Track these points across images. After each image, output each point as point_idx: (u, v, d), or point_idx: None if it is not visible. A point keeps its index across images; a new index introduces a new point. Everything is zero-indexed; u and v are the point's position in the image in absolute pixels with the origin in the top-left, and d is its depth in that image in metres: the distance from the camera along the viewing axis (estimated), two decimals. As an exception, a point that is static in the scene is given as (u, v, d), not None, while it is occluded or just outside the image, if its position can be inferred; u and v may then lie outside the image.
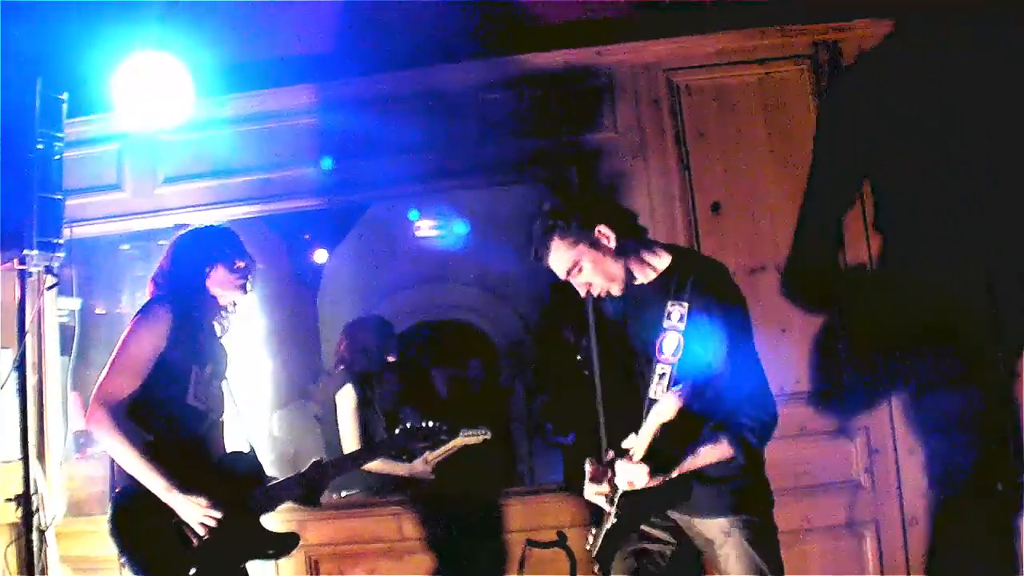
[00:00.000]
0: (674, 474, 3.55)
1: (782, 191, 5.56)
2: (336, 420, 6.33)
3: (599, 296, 3.83)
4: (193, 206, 5.99)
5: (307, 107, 5.95)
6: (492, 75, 5.81)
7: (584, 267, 3.74)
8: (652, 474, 3.51)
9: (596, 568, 3.76)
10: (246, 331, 6.98)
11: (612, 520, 3.68)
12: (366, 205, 8.96)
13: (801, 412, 5.35)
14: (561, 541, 5.11)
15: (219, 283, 4.36)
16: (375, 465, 6.16)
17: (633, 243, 3.80)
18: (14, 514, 4.80)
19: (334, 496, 6.44)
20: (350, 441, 6.21)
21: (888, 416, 5.43)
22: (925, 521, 5.38)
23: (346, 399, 6.31)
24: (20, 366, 4.92)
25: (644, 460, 3.55)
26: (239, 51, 5.88)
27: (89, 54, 5.40)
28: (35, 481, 4.83)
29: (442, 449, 6.16)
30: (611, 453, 3.71)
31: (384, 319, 6.87)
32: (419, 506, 5.79)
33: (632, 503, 3.65)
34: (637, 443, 3.56)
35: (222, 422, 4.44)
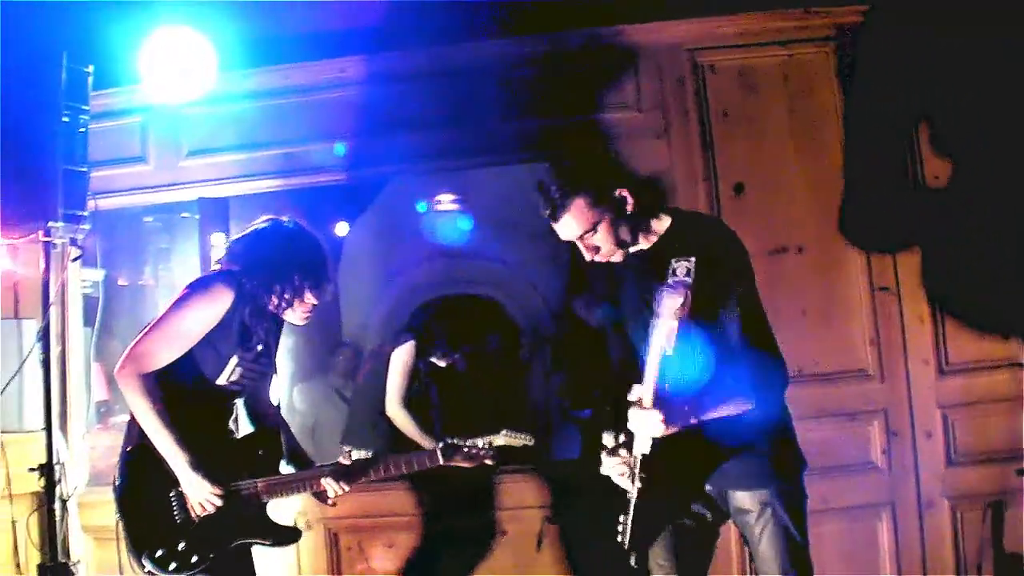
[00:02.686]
0: (692, 421, 3.46)
1: (805, 173, 5.56)
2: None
3: (601, 263, 3.74)
4: (216, 179, 6.03)
5: (330, 82, 5.96)
6: (515, 53, 5.82)
7: (599, 230, 3.64)
8: (667, 422, 3.39)
9: (632, 560, 3.59)
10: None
11: (636, 489, 3.53)
12: (387, 179, 8.96)
13: (819, 393, 5.35)
14: (578, 517, 5.14)
15: (287, 308, 4.17)
16: (410, 430, 6.23)
17: (647, 210, 3.73)
18: (37, 484, 4.83)
19: (343, 452, 6.49)
20: (393, 393, 6.27)
21: (907, 398, 5.44)
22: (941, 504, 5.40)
23: (403, 355, 6.37)
24: (44, 337, 4.95)
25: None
26: (264, 25, 5.87)
27: (114, 27, 5.42)
28: (57, 451, 4.87)
29: (477, 442, 6.16)
30: (623, 437, 3.62)
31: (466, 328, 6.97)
32: (436, 480, 5.81)
33: (657, 473, 3.52)
34: (644, 388, 3.42)
35: (259, 397, 4.40)
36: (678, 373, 3.41)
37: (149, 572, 3.96)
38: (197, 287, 4.07)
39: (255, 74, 5.96)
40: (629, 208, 3.66)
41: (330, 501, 4.24)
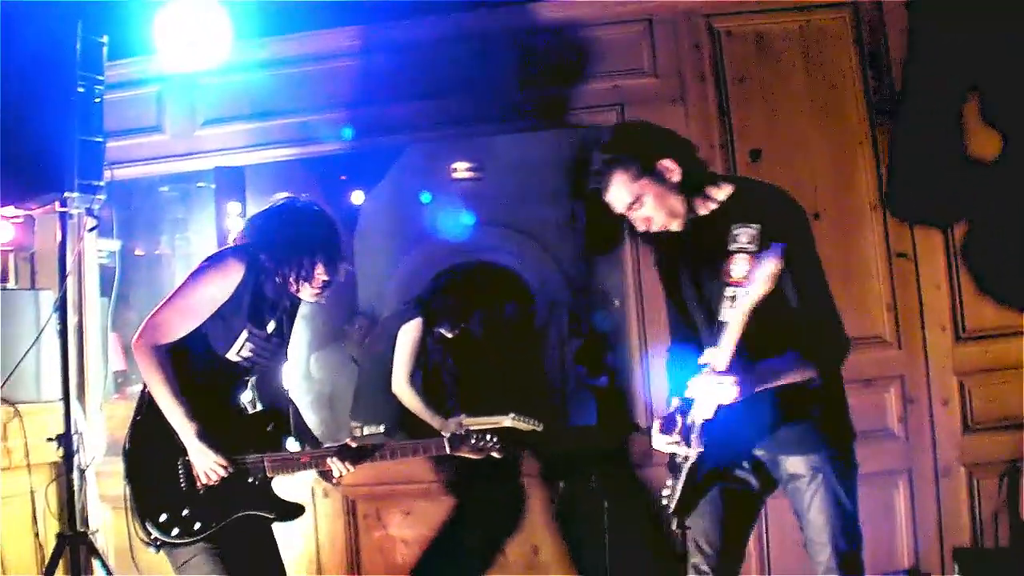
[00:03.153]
0: (757, 389, 3.45)
1: (822, 139, 5.54)
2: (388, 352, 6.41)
3: (657, 232, 3.73)
4: (232, 148, 6.04)
5: (345, 50, 5.96)
6: (531, 20, 5.79)
7: (646, 201, 3.63)
8: (741, 385, 3.38)
9: (673, 524, 3.59)
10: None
11: (694, 453, 3.54)
12: (402, 147, 8.95)
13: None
14: (594, 484, 5.15)
15: (299, 286, 4.18)
16: (416, 406, 6.25)
17: (696, 177, 3.70)
18: (55, 454, 4.85)
19: (354, 430, 6.52)
20: (400, 371, 6.28)
21: (923, 365, 5.43)
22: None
23: (410, 332, 6.38)
24: (61, 307, 4.95)
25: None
26: (278, -7, 5.87)
27: (130, -4, 5.43)
28: (75, 421, 4.88)
29: (485, 420, 6.19)
30: (676, 402, 3.67)
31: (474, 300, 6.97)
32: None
33: (711, 439, 3.53)
34: (719, 353, 3.41)
35: (270, 373, 4.40)
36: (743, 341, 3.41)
37: (154, 538, 4.01)
38: (211, 261, 4.11)
39: (270, 42, 5.96)
40: (675, 178, 3.63)
41: (334, 481, 4.29)
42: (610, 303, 8.33)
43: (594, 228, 8.63)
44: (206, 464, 3.99)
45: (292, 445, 4.28)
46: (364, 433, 6.47)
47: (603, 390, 8.71)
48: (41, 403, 5.41)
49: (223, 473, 4.01)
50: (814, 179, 5.51)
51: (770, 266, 3.25)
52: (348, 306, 8.52)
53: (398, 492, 5.84)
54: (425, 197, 9.88)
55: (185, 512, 4.02)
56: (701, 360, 3.47)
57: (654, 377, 5.56)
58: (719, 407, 3.45)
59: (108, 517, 5.85)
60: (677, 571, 3.75)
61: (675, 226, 3.69)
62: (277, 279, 4.12)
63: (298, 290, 4.18)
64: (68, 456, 4.79)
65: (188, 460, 4.02)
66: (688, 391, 3.51)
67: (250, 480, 4.11)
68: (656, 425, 3.67)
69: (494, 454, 4.38)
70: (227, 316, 4.06)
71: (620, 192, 3.65)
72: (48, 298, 5.44)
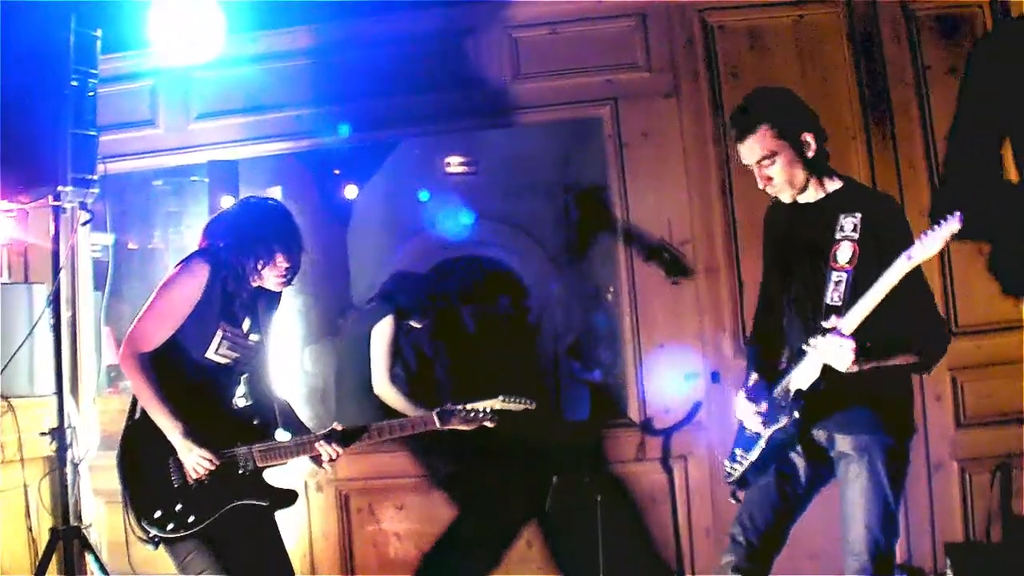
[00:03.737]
0: (867, 366, 3.58)
1: (815, 134, 5.53)
2: (362, 353, 6.37)
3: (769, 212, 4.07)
4: (226, 142, 6.04)
5: (339, 44, 5.96)
6: (524, 14, 5.80)
7: (777, 161, 3.82)
8: (859, 353, 3.53)
9: (732, 498, 3.94)
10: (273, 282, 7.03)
11: (779, 424, 3.76)
12: (396, 141, 8.95)
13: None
14: (588, 478, 5.16)
15: (262, 274, 4.26)
16: (401, 405, 6.21)
17: (822, 162, 3.89)
18: (48, 448, 4.84)
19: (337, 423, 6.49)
20: (380, 371, 6.25)
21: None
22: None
23: (383, 330, 6.35)
24: (54, 301, 4.95)
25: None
26: (271, -12, 5.87)
27: (123, -10, 5.42)
28: (69, 415, 4.87)
29: (475, 406, 6.20)
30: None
31: (435, 276, 6.90)
32: (448, 442, 5.83)
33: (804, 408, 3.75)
34: (850, 317, 3.54)
35: (254, 370, 4.43)
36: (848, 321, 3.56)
37: (152, 535, 4.08)
38: (180, 266, 4.20)
39: (263, 36, 5.96)
40: (810, 152, 3.84)
41: (324, 465, 4.36)
42: (603, 297, 8.34)
43: (587, 222, 8.65)
44: (193, 460, 4.05)
45: (282, 436, 4.33)
46: None
47: (596, 384, 8.71)
48: (34, 397, 5.40)
49: (210, 467, 4.07)
50: (807, 174, 5.51)
51: (951, 227, 3.40)
52: (341, 300, 8.52)
53: (391, 486, 5.86)
54: (423, 195, 9.89)
55: (179, 507, 4.08)
56: (826, 323, 3.61)
57: (647, 371, 5.58)
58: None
59: (102, 511, 5.84)
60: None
61: (786, 197, 3.91)
62: (239, 271, 4.20)
63: (262, 279, 4.28)
64: (61, 450, 4.78)
65: (178, 459, 4.09)
66: (807, 347, 3.67)
67: (240, 471, 4.17)
68: (741, 394, 3.92)
69: (487, 423, 4.44)
70: (202, 318, 4.14)
71: (760, 143, 3.85)
72: (41, 292, 5.43)
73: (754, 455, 3.85)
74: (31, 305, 5.43)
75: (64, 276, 5.14)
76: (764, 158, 3.83)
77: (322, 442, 4.25)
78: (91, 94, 4.92)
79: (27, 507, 5.33)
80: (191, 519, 4.07)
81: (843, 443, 3.80)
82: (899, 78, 5.57)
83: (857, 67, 5.55)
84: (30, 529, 5.33)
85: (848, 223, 3.69)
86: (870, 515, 3.73)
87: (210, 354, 4.17)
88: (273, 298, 4.44)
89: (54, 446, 4.80)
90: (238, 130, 6.05)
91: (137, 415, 4.16)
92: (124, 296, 6.54)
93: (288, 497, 4.31)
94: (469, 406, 4.46)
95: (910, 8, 5.56)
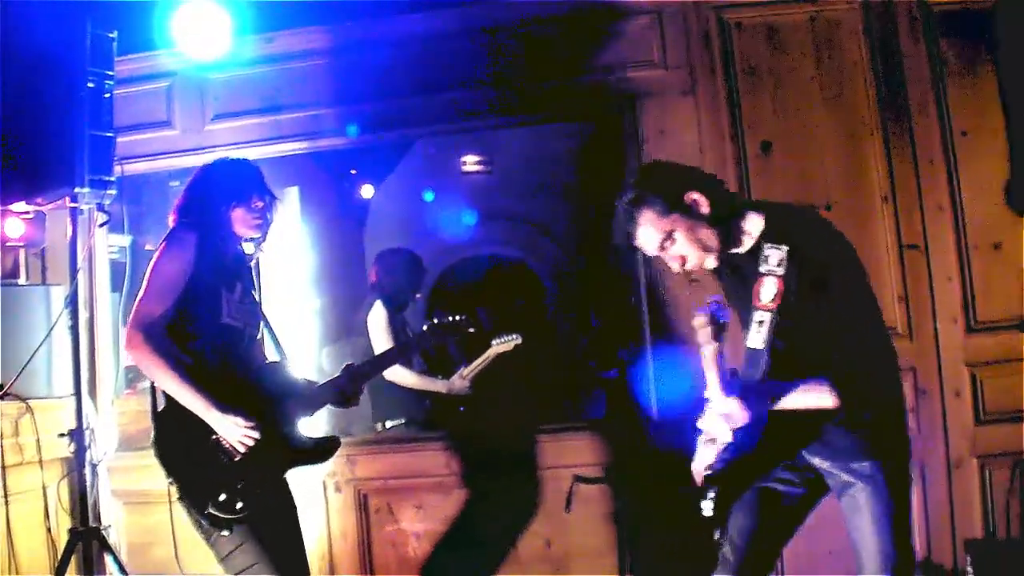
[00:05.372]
0: (773, 406, 3.44)
1: (832, 130, 5.53)
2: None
3: (692, 271, 3.72)
4: (242, 143, 6.02)
5: (354, 44, 5.96)
6: (541, 11, 5.79)
7: (677, 237, 3.58)
8: (746, 406, 3.38)
9: (716, 534, 3.54)
10: (296, 268, 7.05)
11: (709, 472, 3.47)
12: (412, 141, 8.96)
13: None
14: (608, 477, 5.15)
15: (238, 221, 4.32)
16: (414, 381, 6.24)
17: (726, 209, 3.64)
18: (67, 449, 4.84)
19: (377, 427, 6.52)
20: None
21: (935, 356, 5.42)
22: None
23: (377, 316, 6.37)
24: (72, 303, 4.96)
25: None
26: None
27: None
28: (87, 416, 4.87)
29: (477, 362, 6.26)
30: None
31: (415, 255, 6.86)
32: (466, 441, 5.84)
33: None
34: (712, 384, 3.41)
35: (261, 338, 4.47)
36: (765, 366, 3.40)
37: (224, 519, 4.00)
38: (163, 242, 4.23)
39: (279, 37, 5.96)
40: (704, 210, 3.58)
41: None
42: (620, 295, 8.32)
43: (604, 221, 8.62)
44: (236, 434, 4.03)
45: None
46: (386, 427, 6.46)
47: (613, 383, 8.70)
48: (53, 399, 5.41)
49: (255, 435, 4.05)
50: (824, 171, 5.51)
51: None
52: (359, 300, 8.54)
53: (409, 486, 5.86)
54: (428, 196, 9.90)
55: (240, 485, 4.04)
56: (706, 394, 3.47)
57: (663, 370, 5.57)
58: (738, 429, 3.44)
59: (120, 512, 5.87)
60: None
61: (710, 263, 3.65)
62: (219, 225, 4.28)
63: (239, 227, 4.33)
64: (80, 451, 4.78)
65: (218, 437, 4.06)
66: (703, 427, 3.51)
67: (281, 432, 4.21)
68: (702, 441, 3.62)
69: (471, 329, 4.82)
70: (202, 283, 4.15)
71: (650, 231, 3.62)
72: (59, 294, 5.44)
73: (716, 492, 3.46)
74: (49, 307, 5.45)
75: (82, 278, 5.16)
76: (663, 241, 3.60)
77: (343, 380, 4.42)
78: (107, 95, 4.94)
79: (46, 508, 5.33)
80: (258, 492, 4.06)
81: (841, 472, 3.65)
82: (916, 75, 5.53)
83: (874, 63, 5.52)
84: (49, 530, 5.34)
85: (773, 256, 3.40)
86: (884, 543, 3.58)
87: (224, 318, 4.19)
88: (248, 264, 4.50)
89: (73, 447, 4.80)
90: (254, 131, 6.05)
91: (160, 406, 4.13)
92: (142, 297, 6.53)
93: (331, 445, 4.41)
94: (449, 317, 4.85)
95: (927, 4, 5.52)
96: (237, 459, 4.06)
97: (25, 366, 5.15)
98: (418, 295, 6.82)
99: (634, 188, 3.65)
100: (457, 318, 4.89)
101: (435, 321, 4.91)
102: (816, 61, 5.58)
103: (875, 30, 5.54)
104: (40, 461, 5.33)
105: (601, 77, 5.79)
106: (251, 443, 4.04)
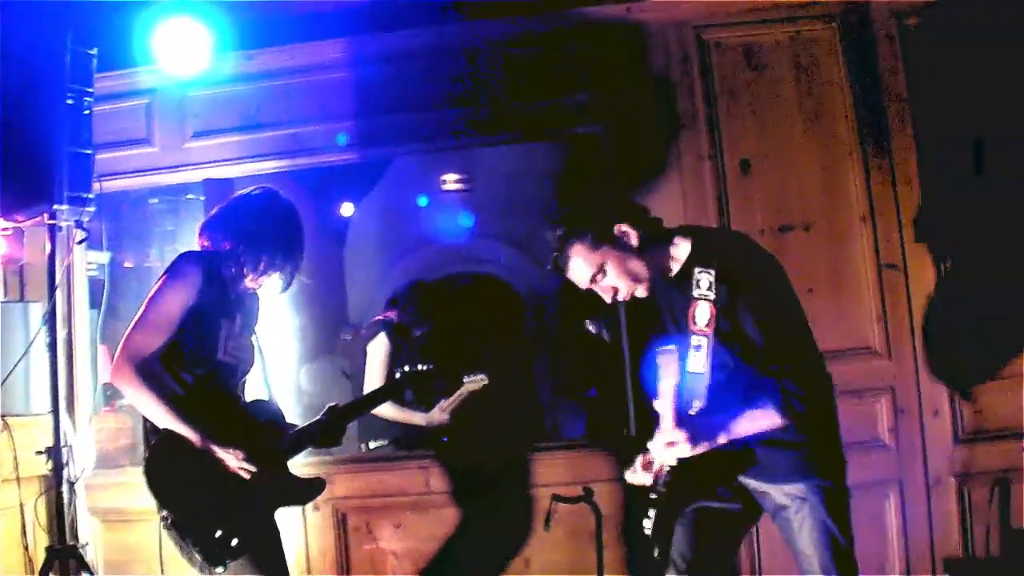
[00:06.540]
0: (720, 440, 3.44)
1: (811, 149, 5.55)
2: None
3: (624, 300, 3.70)
4: (221, 160, 6.04)
5: (334, 62, 5.96)
6: (519, 31, 5.80)
7: (608, 270, 3.60)
8: (693, 440, 3.40)
9: (655, 553, 3.55)
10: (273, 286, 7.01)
11: (662, 491, 3.52)
12: (391, 159, 8.96)
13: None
14: (587, 496, 5.14)
15: (264, 281, 4.30)
16: (394, 414, 6.24)
17: (654, 238, 3.67)
18: (44, 467, 4.83)
19: (362, 447, 6.51)
20: (372, 388, 6.26)
21: (914, 375, 5.43)
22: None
23: (378, 348, 6.36)
24: (50, 320, 4.96)
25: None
26: (267, 5, 5.86)
27: (118, 9, 5.42)
28: (65, 434, 4.86)
29: (454, 396, 6.24)
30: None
31: (429, 286, 6.89)
32: (445, 460, 5.83)
33: (683, 480, 3.51)
34: (664, 413, 3.45)
35: (252, 371, 4.44)
36: (707, 390, 3.43)
37: (220, 556, 3.94)
38: (168, 271, 4.14)
39: (259, 55, 5.96)
40: (633, 241, 3.61)
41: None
42: (600, 315, 8.32)
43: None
44: (234, 464, 3.99)
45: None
46: (371, 447, 6.46)
47: (592, 401, 8.69)
48: (30, 416, 5.37)
49: (252, 468, 4.01)
50: (803, 190, 5.53)
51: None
52: (338, 319, 8.55)
53: (389, 505, 5.84)
54: (422, 200, 9.89)
55: (236, 520, 4.00)
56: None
57: (642, 388, 5.57)
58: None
59: (98, 530, 5.83)
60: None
61: (641, 292, 3.67)
62: (236, 272, 4.18)
63: (258, 284, 4.31)
64: (57, 469, 4.77)
65: (214, 466, 3.99)
66: (651, 453, 3.54)
67: (272, 468, 4.15)
68: (628, 472, 3.69)
69: (437, 380, 5.02)
70: (202, 317, 4.08)
71: (581, 265, 3.63)
72: (37, 310, 5.41)
73: (654, 514, 3.53)
74: (27, 323, 5.42)
75: (60, 294, 5.14)
76: (595, 274, 3.61)
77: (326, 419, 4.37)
78: (87, 112, 4.94)
79: (23, 526, 5.32)
80: (251, 526, 4.03)
81: (777, 494, 3.67)
82: (894, 93, 5.56)
83: (853, 82, 5.55)
84: (26, 548, 5.32)
85: (704, 279, 3.41)
86: (824, 562, 3.59)
87: (220, 355, 4.13)
88: (255, 298, 4.42)
89: (50, 465, 4.79)
90: (234, 148, 6.04)
91: (153, 439, 4.03)
92: (120, 314, 6.48)
93: (317, 486, 4.41)
94: (419, 366, 4.91)
95: (905, 23, 5.55)
96: (231, 492, 4.01)
97: (2, 383, 5.13)
98: (426, 327, 6.77)
99: (563, 223, 3.67)
100: (422, 368, 4.90)
101: (406, 369, 4.94)
102: (795, 80, 5.60)
103: (854, 49, 5.57)
104: (17, 479, 5.31)
105: (581, 97, 5.80)
106: (247, 477, 4.01)
